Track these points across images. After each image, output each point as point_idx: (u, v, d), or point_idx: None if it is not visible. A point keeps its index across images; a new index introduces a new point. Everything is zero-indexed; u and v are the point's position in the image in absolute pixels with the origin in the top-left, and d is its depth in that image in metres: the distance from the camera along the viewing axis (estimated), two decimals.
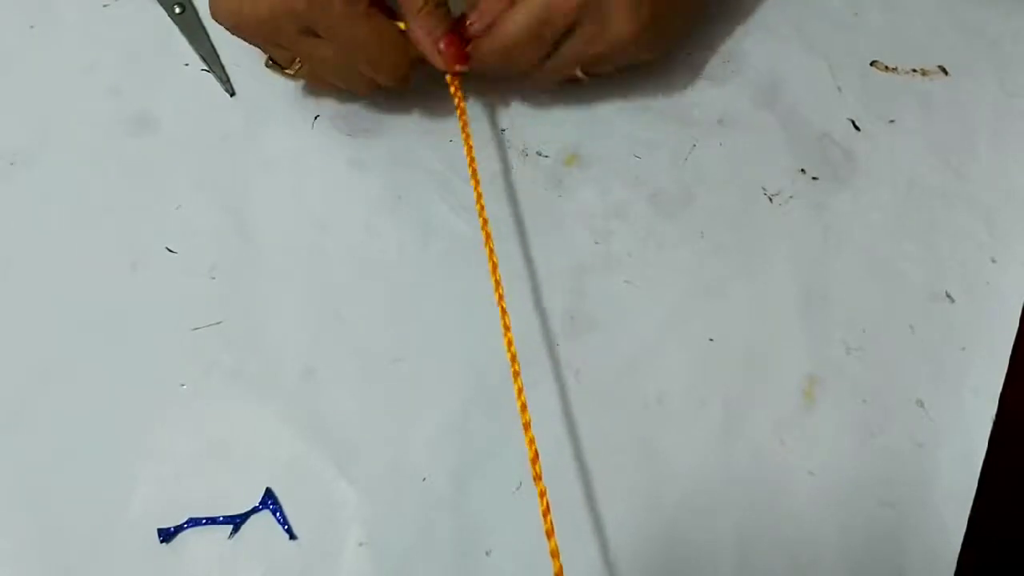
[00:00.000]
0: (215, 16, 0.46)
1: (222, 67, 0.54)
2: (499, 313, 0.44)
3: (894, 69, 0.55)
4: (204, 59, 0.54)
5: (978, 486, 0.47)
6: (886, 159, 0.51)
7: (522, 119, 0.54)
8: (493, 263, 0.45)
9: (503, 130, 0.53)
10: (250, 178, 0.53)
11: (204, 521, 0.47)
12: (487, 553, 0.47)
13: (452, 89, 0.47)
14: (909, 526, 0.47)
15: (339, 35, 0.44)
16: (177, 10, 0.55)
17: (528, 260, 0.51)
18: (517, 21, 0.45)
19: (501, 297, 0.44)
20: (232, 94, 0.53)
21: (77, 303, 0.50)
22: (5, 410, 0.49)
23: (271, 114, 0.53)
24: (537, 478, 0.42)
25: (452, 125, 0.53)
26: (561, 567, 0.40)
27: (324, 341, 0.50)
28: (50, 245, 0.51)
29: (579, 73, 0.48)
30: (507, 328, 0.44)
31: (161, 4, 0.55)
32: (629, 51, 0.48)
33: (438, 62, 0.46)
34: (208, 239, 0.51)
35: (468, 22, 0.46)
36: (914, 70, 0.55)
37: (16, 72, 0.54)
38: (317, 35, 0.45)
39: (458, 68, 0.46)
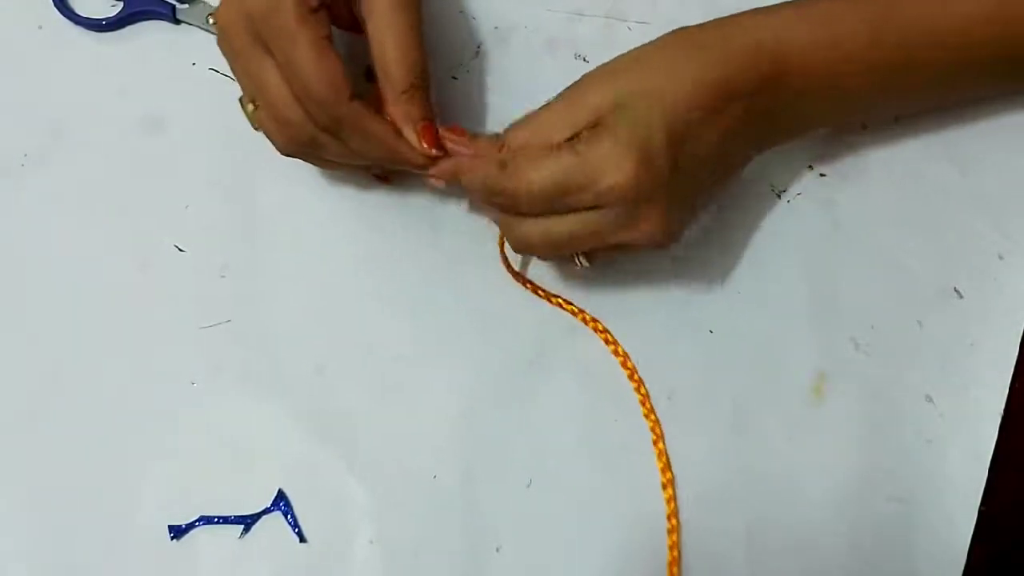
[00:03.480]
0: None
1: None
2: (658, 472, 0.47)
3: None
4: None
5: (987, 481, 0.47)
6: (894, 156, 0.51)
7: None
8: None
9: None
10: (259, 177, 0.53)
11: (216, 519, 0.47)
12: (497, 550, 0.47)
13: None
14: (918, 521, 0.47)
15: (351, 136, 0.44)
16: (211, 20, 0.53)
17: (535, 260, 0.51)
18: (544, 170, 0.42)
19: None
20: None
21: (87, 302, 0.51)
22: (17, 409, 0.49)
23: None
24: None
25: (457, 123, 0.53)
26: None
27: (333, 339, 0.50)
28: (60, 244, 0.52)
29: (580, 261, 0.46)
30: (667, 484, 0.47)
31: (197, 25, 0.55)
32: (643, 248, 0.45)
33: (408, 151, 0.45)
34: (217, 238, 0.52)
35: (498, 144, 0.44)
36: None
37: (25, 72, 0.54)
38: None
39: (434, 153, 0.44)
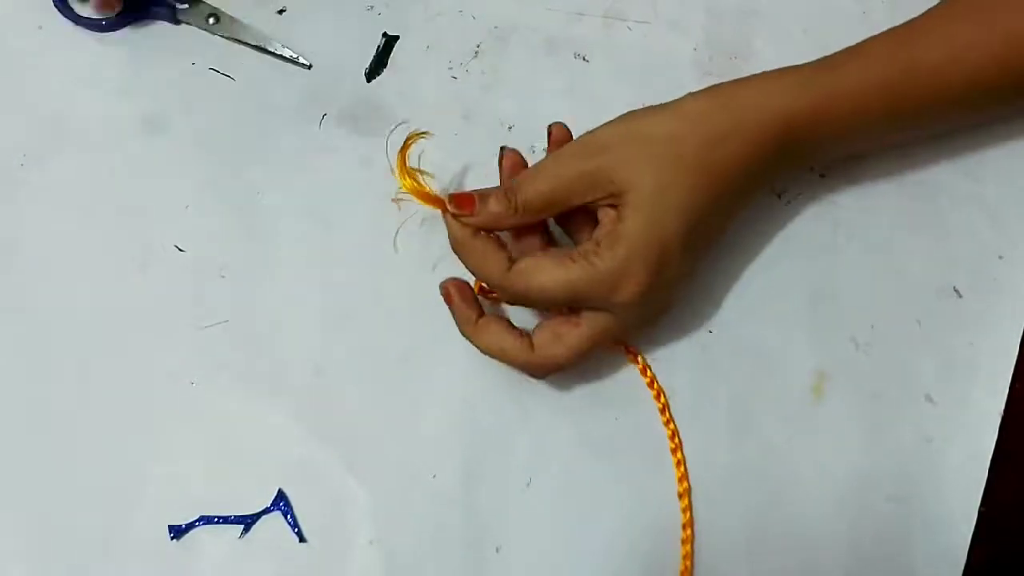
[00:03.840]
0: None
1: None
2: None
3: None
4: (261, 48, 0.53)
5: (987, 481, 0.47)
6: (893, 156, 0.51)
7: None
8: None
9: (511, 127, 0.53)
10: (258, 177, 0.53)
11: (216, 519, 0.47)
12: (497, 550, 0.47)
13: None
14: (918, 521, 0.47)
15: None
16: (211, 21, 0.54)
17: None
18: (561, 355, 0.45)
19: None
20: (309, 66, 0.52)
21: (87, 302, 0.51)
22: (16, 409, 0.49)
23: (279, 113, 0.54)
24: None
25: (457, 124, 0.53)
26: None
27: (333, 340, 0.50)
28: (60, 244, 0.52)
29: None
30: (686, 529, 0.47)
31: (197, 26, 0.55)
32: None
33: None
34: (217, 238, 0.52)
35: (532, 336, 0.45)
36: None
37: (25, 73, 0.54)
38: None
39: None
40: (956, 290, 0.50)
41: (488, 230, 0.45)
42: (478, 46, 0.55)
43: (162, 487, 0.48)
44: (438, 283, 0.46)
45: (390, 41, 0.54)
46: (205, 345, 0.50)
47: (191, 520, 0.47)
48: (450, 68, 0.54)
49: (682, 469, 0.48)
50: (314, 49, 0.54)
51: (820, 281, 0.50)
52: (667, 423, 0.48)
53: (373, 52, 0.54)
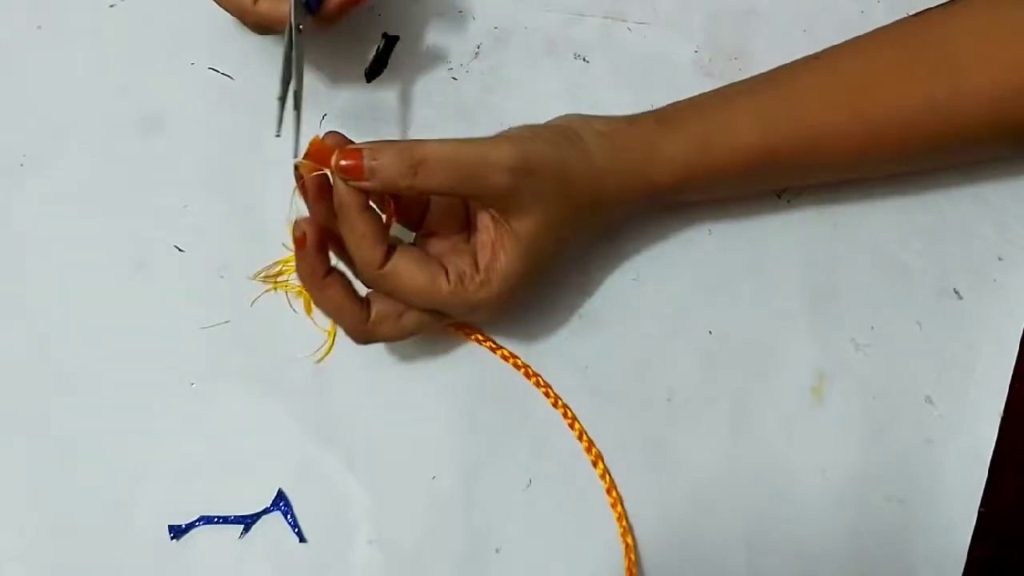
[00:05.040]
0: None
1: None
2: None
3: None
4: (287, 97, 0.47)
5: (987, 481, 0.47)
6: None
7: None
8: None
9: (510, 127, 0.53)
10: (257, 176, 0.53)
11: (216, 520, 0.47)
12: (496, 550, 0.47)
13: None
14: (918, 522, 0.47)
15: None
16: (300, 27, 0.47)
17: None
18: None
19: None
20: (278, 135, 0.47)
21: (87, 302, 0.51)
22: (16, 409, 0.49)
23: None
24: None
25: (457, 124, 0.53)
26: None
27: (333, 339, 0.50)
28: (59, 244, 0.52)
29: None
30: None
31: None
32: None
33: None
34: (216, 238, 0.52)
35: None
36: None
37: (24, 73, 0.54)
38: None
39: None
40: (956, 291, 0.50)
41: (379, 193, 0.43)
42: (478, 46, 0.55)
43: (162, 487, 0.48)
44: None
45: (390, 41, 0.54)
46: (205, 345, 0.50)
47: (191, 520, 0.47)
48: (450, 68, 0.54)
49: (621, 508, 0.48)
50: (313, 49, 0.54)
51: (820, 282, 0.50)
52: (598, 470, 0.48)
53: (373, 52, 0.54)
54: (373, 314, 0.44)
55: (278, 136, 0.45)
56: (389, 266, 0.42)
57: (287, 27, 0.45)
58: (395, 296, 0.44)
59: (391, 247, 0.43)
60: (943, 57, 0.45)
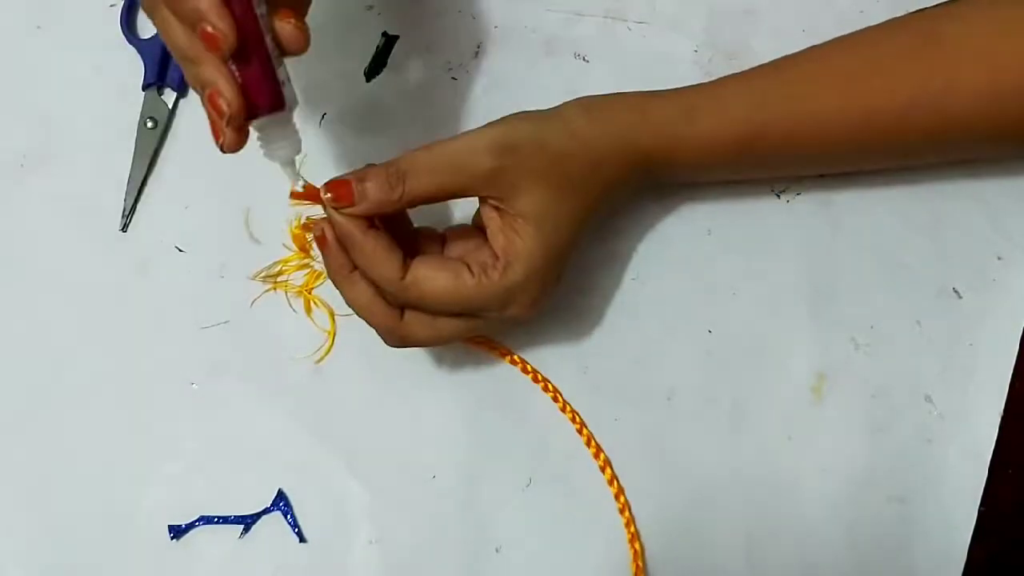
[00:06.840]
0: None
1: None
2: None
3: None
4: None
5: (987, 481, 0.47)
6: None
7: None
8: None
9: None
10: (258, 177, 0.52)
11: (216, 520, 0.47)
12: (497, 550, 0.47)
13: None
14: (918, 521, 0.47)
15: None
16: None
17: None
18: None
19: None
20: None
21: (88, 302, 0.51)
22: (17, 410, 0.49)
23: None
24: None
25: (457, 124, 0.53)
26: None
27: (333, 339, 0.50)
28: (59, 245, 0.52)
29: None
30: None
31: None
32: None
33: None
34: (217, 238, 0.52)
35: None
36: None
37: (24, 73, 0.54)
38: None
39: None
40: (956, 291, 0.50)
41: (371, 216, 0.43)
42: (478, 46, 0.55)
43: (162, 487, 0.48)
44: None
45: (390, 41, 0.54)
46: (205, 345, 0.50)
47: (191, 520, 0.47)
48: (450, 68, 0.54)
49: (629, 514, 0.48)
50: (313, 49, 0.54)
51: (819, 281, 0.50)
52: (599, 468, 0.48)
53: (373, 52, 0.54)
54: (407, 314, 0.44)
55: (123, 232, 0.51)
56: (410, 276, 0.42)
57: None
58: (426, 305, 0.43)
59: (408, 259, 0.43)
60: (939, 51, 0.45)
